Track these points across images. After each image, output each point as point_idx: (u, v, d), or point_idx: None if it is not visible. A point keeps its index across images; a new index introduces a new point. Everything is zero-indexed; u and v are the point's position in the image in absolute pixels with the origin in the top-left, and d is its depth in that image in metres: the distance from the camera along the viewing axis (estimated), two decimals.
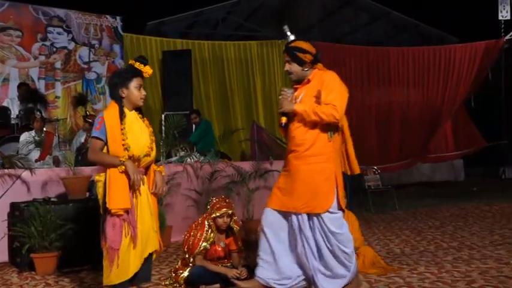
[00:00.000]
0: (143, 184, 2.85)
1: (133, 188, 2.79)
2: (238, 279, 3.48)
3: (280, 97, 3.26)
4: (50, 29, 9.21)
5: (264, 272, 3.24)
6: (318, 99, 3.13)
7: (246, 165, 6.63)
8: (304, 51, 3.21)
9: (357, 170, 3.40)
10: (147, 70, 2.95)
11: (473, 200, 8.80)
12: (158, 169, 3.02)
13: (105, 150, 2.86)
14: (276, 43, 11.10)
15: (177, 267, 3.71)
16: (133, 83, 2.89)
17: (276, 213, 3.25)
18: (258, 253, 3.31)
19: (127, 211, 2.77)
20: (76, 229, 4.46)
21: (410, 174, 12.86)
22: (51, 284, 3.91)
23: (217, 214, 3.61)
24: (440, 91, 11.38)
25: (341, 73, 11.11)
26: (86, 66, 9.44)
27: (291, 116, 3.22)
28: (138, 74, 2.92)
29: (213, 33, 12.25)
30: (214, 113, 10.14)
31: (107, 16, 9.74)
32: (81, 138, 7.13)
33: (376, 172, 8.99)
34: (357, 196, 8.23)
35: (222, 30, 12.23)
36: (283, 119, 3.23)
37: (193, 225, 3.84)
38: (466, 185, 11.85)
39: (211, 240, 3.62)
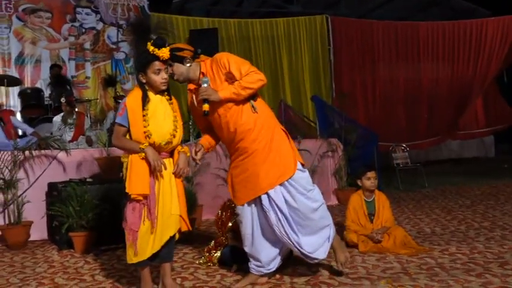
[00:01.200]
0: (165, 169, 2.88)
1: (154, 173, 2.84)
2: None
3: (201, 90, 3.06)
4: (79, 9, 9.33)
5: (252, 264, 3.24)
6: (231, 80, 3.06)
7: None
8: (182, 49, 3.12)
9: None
10: (163, 53, 2.85)
11: (504, 177, 8.69)
12: (182, 150, 3.01)
13: (128, 136, 2.89)
14: (303, 20, 10.98)
15: (210, 246, 3.80)
16: (151, 69, 2.86)
17: (245, 205, 3.17)
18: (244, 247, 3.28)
19: (146, 196, 2.83)
20: (111, 208, 4.57)
21: (439, 150, 12.72)
22: (90, 262, 4.05)
23: None
24: (471, 67, 11.15)
25: (368, 49, 11.02)
26: (114, 46, 9.55)
27: (218, 112, 3.14)
28: (155, 58, 2.85)
29: (237, 10, 12.19)
30: None
31: None
32: (112, 118, 7.27)
33: (405, 150, 8.94)
34: (385, 174, 8.21)
35: (246, 7, 12.15)
36: (206, 107, 3.03)
37: (224, 204, 3.92)
38: (496, 162, 11.68)
39: None
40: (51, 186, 4.99)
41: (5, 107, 8.15)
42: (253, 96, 3.14)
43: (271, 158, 3.07)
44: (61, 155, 5.39)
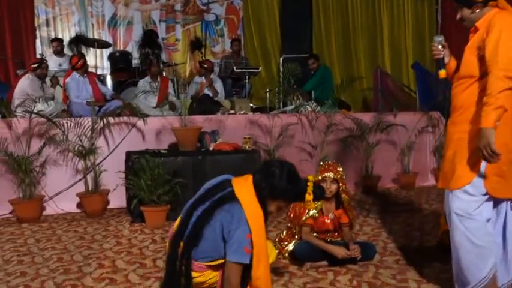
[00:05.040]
0: None
1: None
2: (349, 259, 3.12)
3: (434, 51, 2.67)
4: None
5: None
6: (479, 51, 2.41)
7: (366, 117, 6.06)
8: None
9: None
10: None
11: None
12: None
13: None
14: None
15: (282, 237, 3.41)
16: (280, 203, 2.33)
17: None
18: None
19: None
20: (184, 182, 4.36)
21: None
22: (157, 241, 3.85)
23: (319, 178, 3.20)
24: None
25: None
26: (205, 7, 9.28)
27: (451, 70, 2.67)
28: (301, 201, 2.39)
29: None
30: (335, 56, 9.43)
31: None
32: (197, 84, 7.04)
33: None
34: None
35: None
36: (442, 73, 2.65)
37: None
38: None
39: (318, 208, 3.23)
40: (128, 155, 4.86)
41: (97, 69, 8.27)
42: None
43: (456, 158, 2.48)
44: (140, 122, 5.26)
